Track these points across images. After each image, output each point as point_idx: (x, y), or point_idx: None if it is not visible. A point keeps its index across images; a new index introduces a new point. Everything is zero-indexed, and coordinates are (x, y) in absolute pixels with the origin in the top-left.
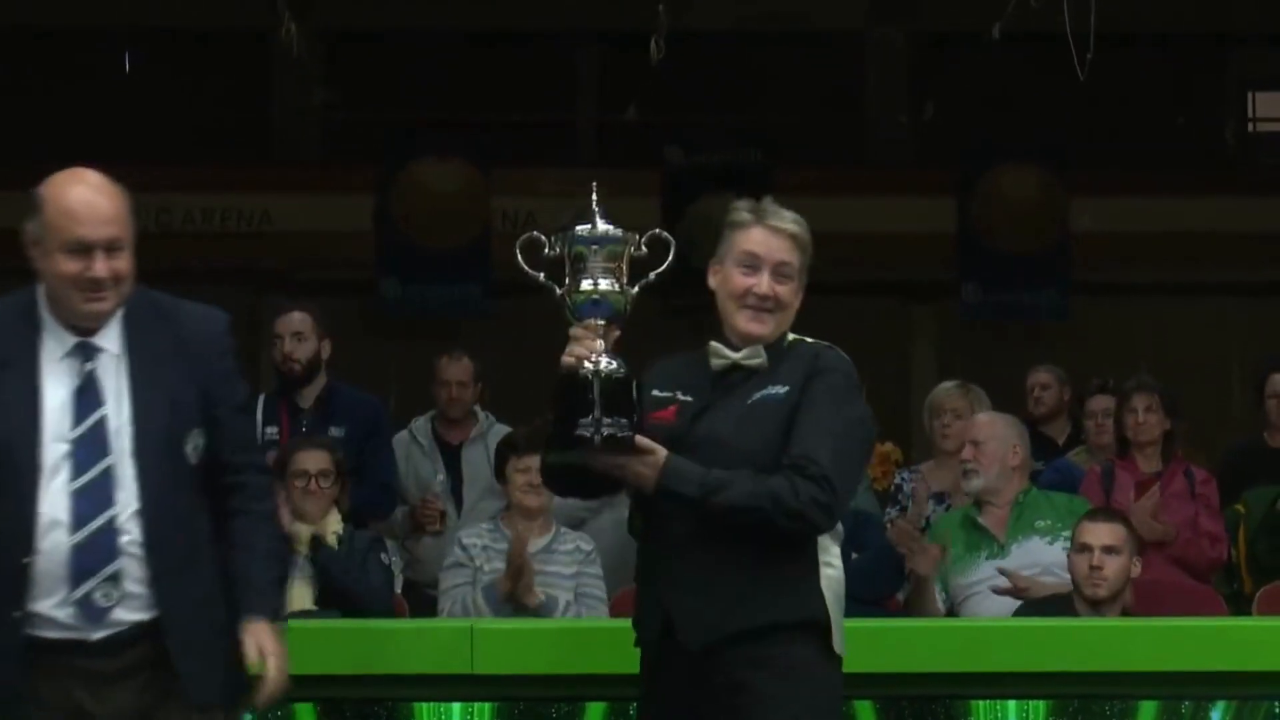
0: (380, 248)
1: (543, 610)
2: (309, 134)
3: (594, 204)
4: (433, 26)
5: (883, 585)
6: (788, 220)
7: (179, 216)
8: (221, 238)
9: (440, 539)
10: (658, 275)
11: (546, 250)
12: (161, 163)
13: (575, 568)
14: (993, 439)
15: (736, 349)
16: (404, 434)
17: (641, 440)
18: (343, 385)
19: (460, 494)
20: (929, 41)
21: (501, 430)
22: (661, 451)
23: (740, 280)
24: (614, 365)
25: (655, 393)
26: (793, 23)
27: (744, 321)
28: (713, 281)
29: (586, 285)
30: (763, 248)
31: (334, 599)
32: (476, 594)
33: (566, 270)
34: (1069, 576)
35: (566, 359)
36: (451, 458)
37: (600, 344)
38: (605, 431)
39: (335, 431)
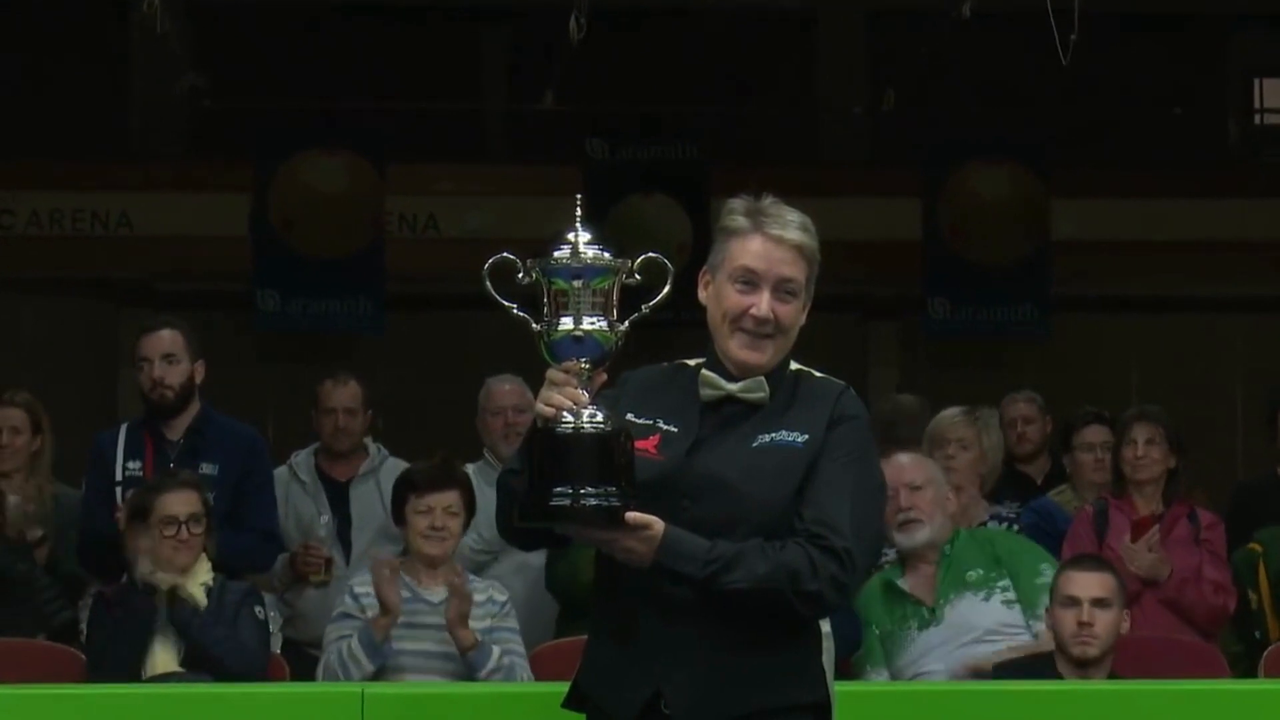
0: (257, 255)
1: (475, 659)
2: (174, 124)
3: (577, 224)
4: (318, 1)
5: (841, 646)
6: (793, 228)
7: (23, 218)
8: (73, 243)
9: (326, 591)
10: (652, 308)
11: (520, 276)
12: (0, 156)
13: (488, 621)
14: (931, 483)
15: (731, 377)
16: (283, 470)
17: (635, 515)
18: (217, 415)
19: (349, 538)
20: (889, 21)
21: (396, 465)
22: (658, 525)
23: (735, 299)
24: (600, 419)
25: (631, 416)
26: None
27: (738, 348)
28: (702, 295)
29: (567, 323)
30: (763, 262)
31: (203, 660)
32: (353, 641)
33: (544, 302)
34: (1026, 637)
35: (543, 409)
36: (338, 496)
37: (584, 394)
38: (590, 501)
39: (207, 469)
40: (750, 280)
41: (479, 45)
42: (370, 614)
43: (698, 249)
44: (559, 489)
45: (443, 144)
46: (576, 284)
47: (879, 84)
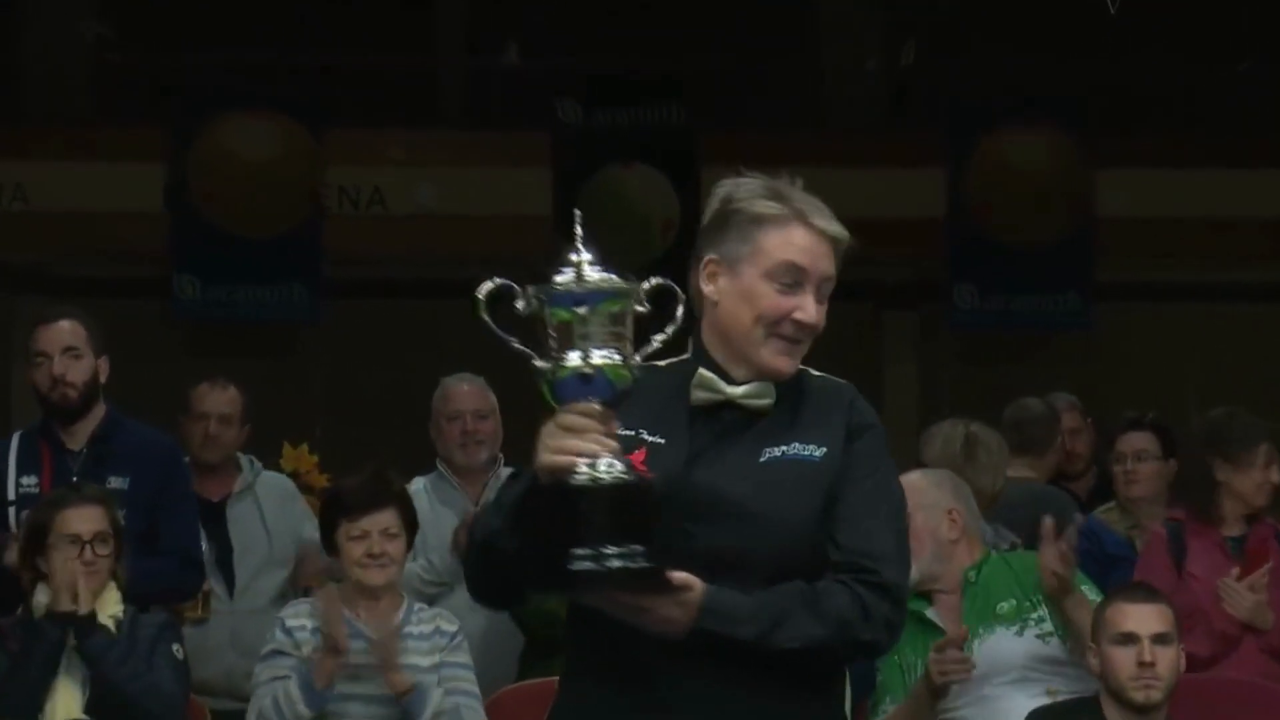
0: (174, 234)
1: (412, 701)
2: (75, 82)
3: (578, 241)
4: None
5: (856, 686)
6: (833, 219)
7: None
8: None
9: (204, 629)
10: (665, 341)
11: (519, 304)
12: None
13: (436, 656)
14: (919, 509)
15: (730, 379)
16: None
17: (676, 575)
18: (126, 420)
19: (230, 565)
20: None
21: (273, 480)
22: (697, 585)
23: (776, 301)
24: (620, 468)
25: (619, 429)
26: None
27: (773, 355)
28: (709, 288)
29: (574, 359)
30: (809, 258)
31: (110, 705)
32: (290, 684)
33: (549, 334)
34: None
35: (554, 460)
36: (214, 519)
37: (611, 443)
38: (615, 564)
39: (116, 482)
40: (796, 280)
41: None
42: (308, 650)
43: (686, 227)
44: (579, 550)
45: (391, 106)
46: (581, 311)
47: (896, 34)
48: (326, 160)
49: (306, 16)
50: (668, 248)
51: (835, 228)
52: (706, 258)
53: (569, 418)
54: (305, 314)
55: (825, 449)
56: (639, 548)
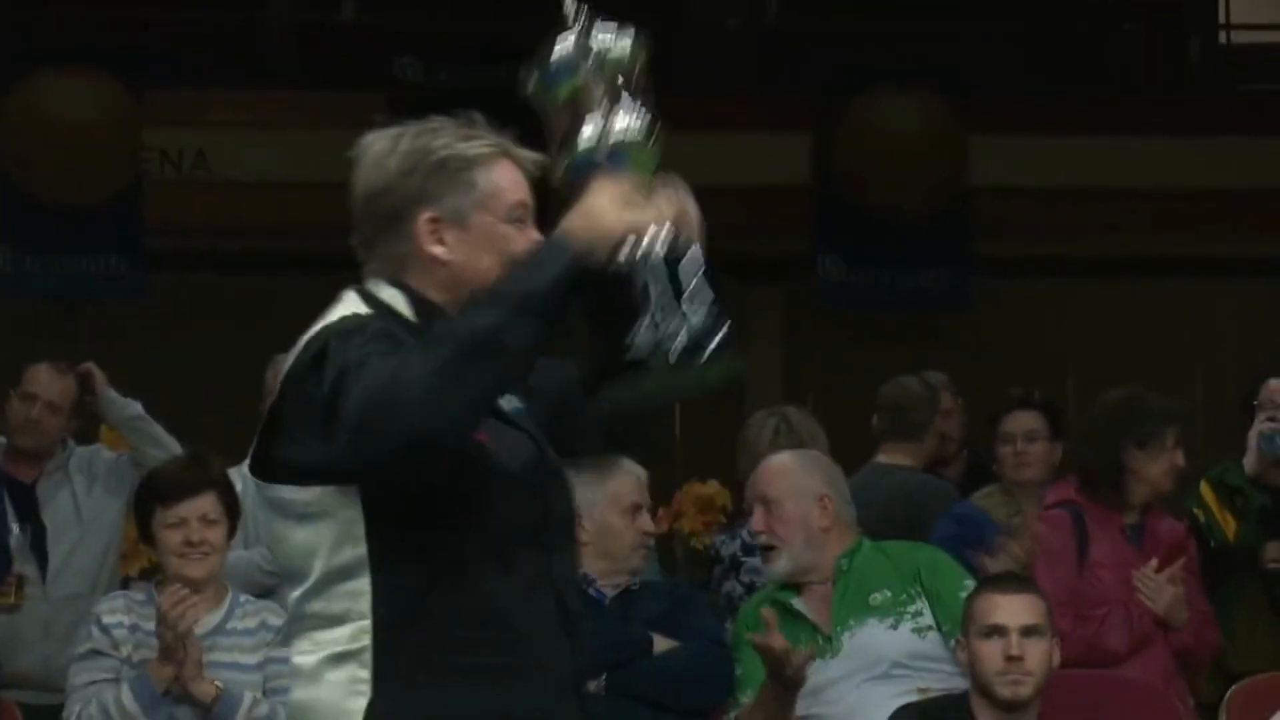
0: None
1: (219, 709)
2: None
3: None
4: None
5: (711, 690)
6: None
7: None
8: None
9: (16, 617)
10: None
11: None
12: None
13: (261, 652)
14: (791, 495)
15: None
16: None
17: None
18: None
19: (44, 548)
20: None
21: (89, 454)
22: None
23: (522, 240)
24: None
25: None
26: None
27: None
28: (439, 250)
29: (588, 134)
30: (526, 190)
31: None
32: (121, 691)
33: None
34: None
35: (622, 228)
36: (25, 501)
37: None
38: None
39: None
40: (524, 216)
41: None
42: (127, 651)
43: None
44: (660, 318)
45: (217, 64)
46: (586, 67)
47: None
48: (146, 122)
49: None
50: None
51: (527, 154)
52: (423, 217)
53: (622, 188)
54: (126, 288)
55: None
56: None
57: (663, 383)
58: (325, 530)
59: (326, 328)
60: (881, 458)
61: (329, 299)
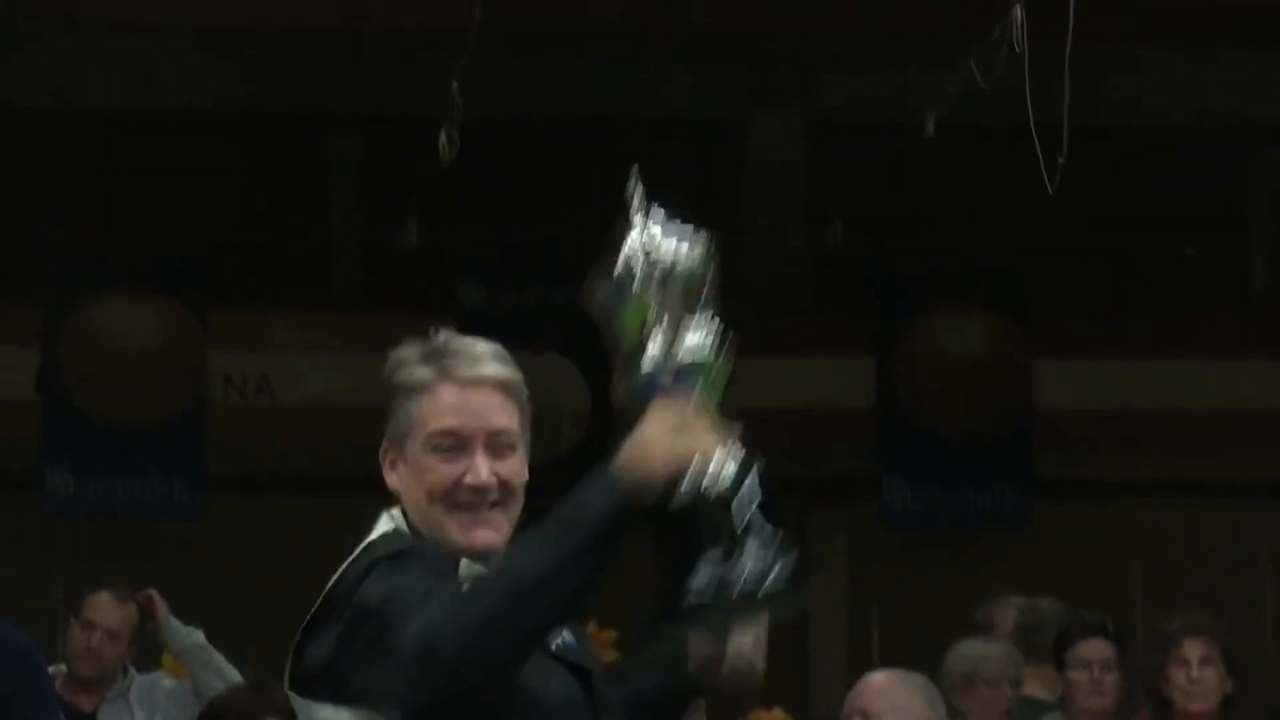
0: (45, 423)
1: None
2: None
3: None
4: (114, 99)
5: None
6: (487, 361)
7: None
8: None
9: None
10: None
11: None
12: None
13: None
14: (891, 713)
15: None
16: None
17: None
18: None
19: None
20: (833, 134)
21: (150, 682)
22: None
23: (439, 471)
24: (742, 453)
25: None
26: (636, 105)
27: (462, 532)
28: (392, 479)
29: (653, 352)
30: (462, 416)
31: None
32: None
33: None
34: None
35: (678, 462)
36: None
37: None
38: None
39: None
40: (457, 444)
41: (325, 161)
42: None
43: (595, 418)
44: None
45: (280, 286)
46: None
47: (821, 211)
48: (209, 345)
49: (184, 186)
50: (576, 440)
51: (493, 370)
52: (383, 446)
53: (679, 415)
54: (184, 510)
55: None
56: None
57: (726, 618)
58: None
59: (374, 544)
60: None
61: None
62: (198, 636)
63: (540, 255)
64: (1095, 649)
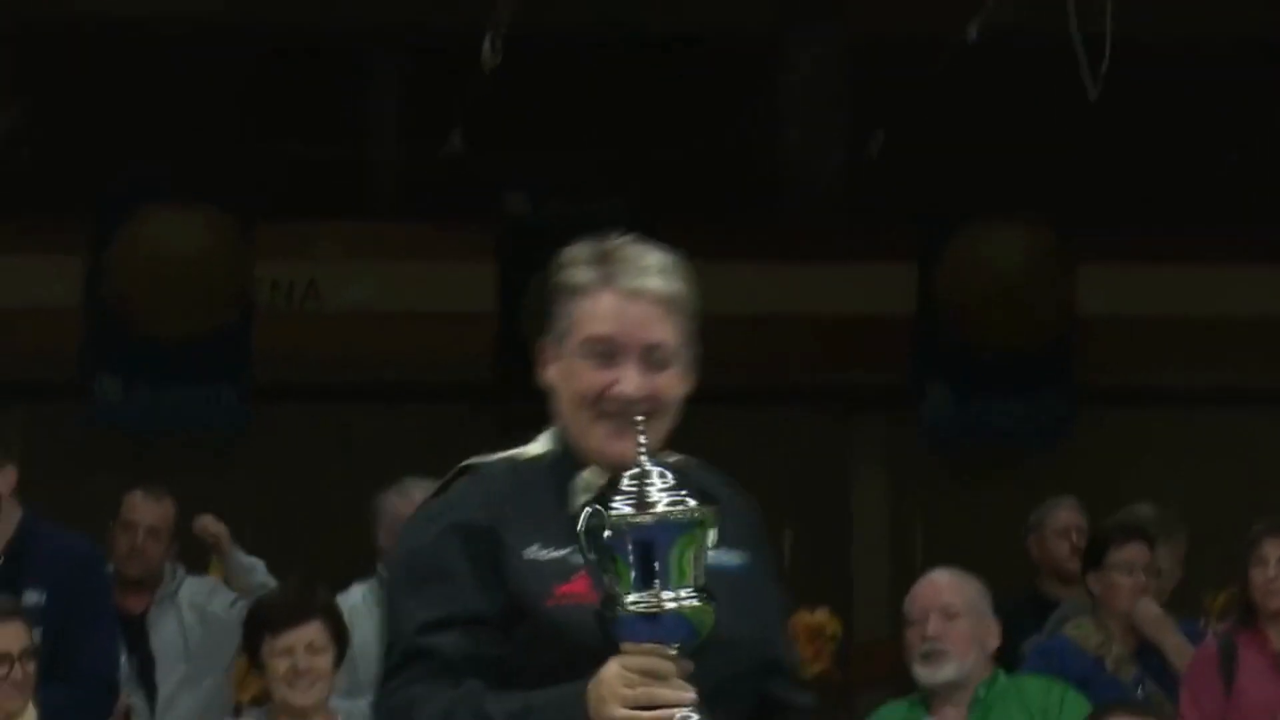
0: (92, 333)
1: None
2: None
3: (640, 447)
4: (161, 15)
5: None
6: (653, 274)
7: None
8: None
9: None
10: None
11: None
12: None
13: None
14: (971, 612)
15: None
16: None
17: None
18: (43, 524)
19: (152, 679)
20: (872, 47)
21: (198, 584)
22: None
23: (589, 377)
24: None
25: (537, 550)
26: (677, 23)
27: (603, 440)
28: (545, 375)
29: (637, 598)
30: (617, 325)
31: None
32: None
33: (605, 560)
34: None
35: (623, 713)
36: (134, 632)
37: (691, 694)
38: None
39: (34, 596)
40: (609, 350)
41: (369, 76)
42: None
43: None
44: None
45: (325, 196)
46: (635, 547)
47: (860, 124)
48: (257, 254)
49: (233, 102)
50: None
51: (655, 283)
52: (541, 342)
53: (650, 660)
54: (233, 420)
55: (744, 556)
56: None
57: None
58: None
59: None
60: None
61: (437, 429)
62: (259, 573)
63: (585, 168)
64: (1136, 552)
